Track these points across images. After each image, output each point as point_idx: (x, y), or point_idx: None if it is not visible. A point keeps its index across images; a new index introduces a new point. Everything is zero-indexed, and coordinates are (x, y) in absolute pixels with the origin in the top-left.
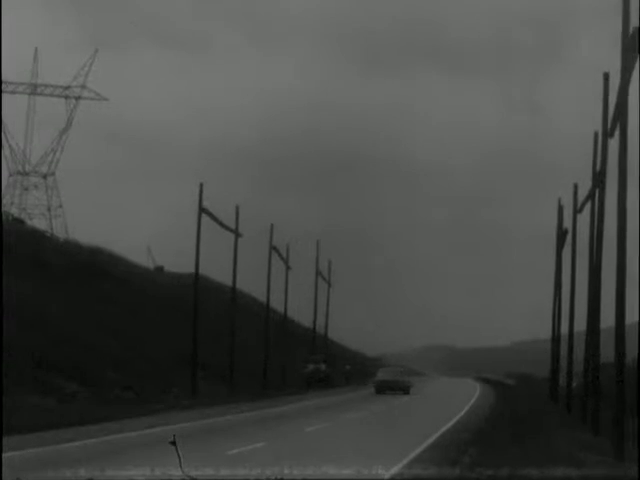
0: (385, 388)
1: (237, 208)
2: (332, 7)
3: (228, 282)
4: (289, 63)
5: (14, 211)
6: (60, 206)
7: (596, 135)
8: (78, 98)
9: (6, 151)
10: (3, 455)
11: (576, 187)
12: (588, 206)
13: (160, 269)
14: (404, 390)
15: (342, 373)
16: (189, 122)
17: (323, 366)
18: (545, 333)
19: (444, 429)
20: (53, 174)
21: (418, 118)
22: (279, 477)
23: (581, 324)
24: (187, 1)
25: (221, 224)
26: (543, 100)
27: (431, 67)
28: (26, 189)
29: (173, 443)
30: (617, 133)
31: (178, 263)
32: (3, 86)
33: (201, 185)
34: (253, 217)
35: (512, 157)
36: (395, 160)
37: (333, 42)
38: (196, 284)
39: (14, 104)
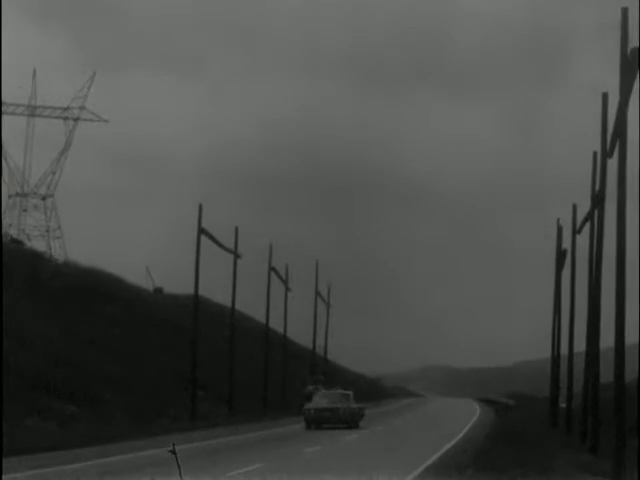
0: (320, 421)
1: (236, 229)
2: (330, 30)
3: (227, 303)
4: (286, 85)
5: (13, 232)
6: (59, 227)
7: (595, 155)
8: (77, 119)
9: (5, 173)
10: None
11: (575, 207)
12: (587, 226)
13: (159, 290)
14: (348, 423)
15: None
16: (187, 144)
17: (322, 387)
18: (545, 353)
19: (449, 445)
20: (52, 195)
21: (417, 139)
22: None
23: (581, 344)
24: (184, 24)
25: (220, 245)
26: (542, 120)
27: (430, 88)
28: (25, 210)
29: (172, 452)
30: (616, 153)
31: (177, 284)
32: (2, 107)
33: (200, 206)
34: (252, 238)
35: (511, 177)
36: (394, 180)
37: (331, 64)
38: (195, 305)
39: (13, 125)
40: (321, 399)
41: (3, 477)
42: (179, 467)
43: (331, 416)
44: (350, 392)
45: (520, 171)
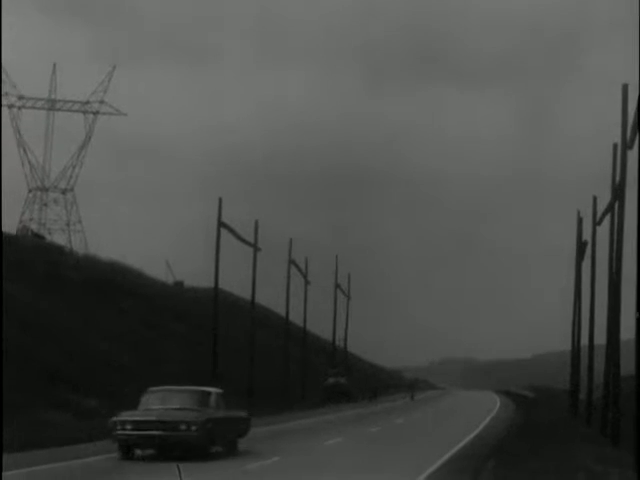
0: (145, 444)
1: (256, 223)
2: (341, 23)
3: (247, 296)
4: (303, 78)
5: (34, 226)
6: (79, 221)
7: (615, 147)
8: (96, 113)
9: (26, 167)
10: (13, 472)
11: (595, 199)
12: (608, 218)
13: (179, 284)
14: (202, 448)
15: (368, 390)
16: (207, 137)
17: (343, 380)
18: (565, 345)
19: (470, 436)
20: (72, 189)
21: (433, 131)
22: None
23: (601, 336)
24: (199, 17)
25: (240, 238)
26: (562, 112)
27: (444, 81)
28: (45, 204)
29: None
30: (636, 144)
31: (197, 278)
32: (22, 102)
33: (220, 200)
34: (272, 231)
35: (531, 169)
36: (413, 174)
37: (344, 57)
38: (216, 299)
39: (33, 120)
40: (154, 403)
41: (13, 470)
42: (179, 470)
43: (164, 437)
44: (215, 390)
45: (540, 162)
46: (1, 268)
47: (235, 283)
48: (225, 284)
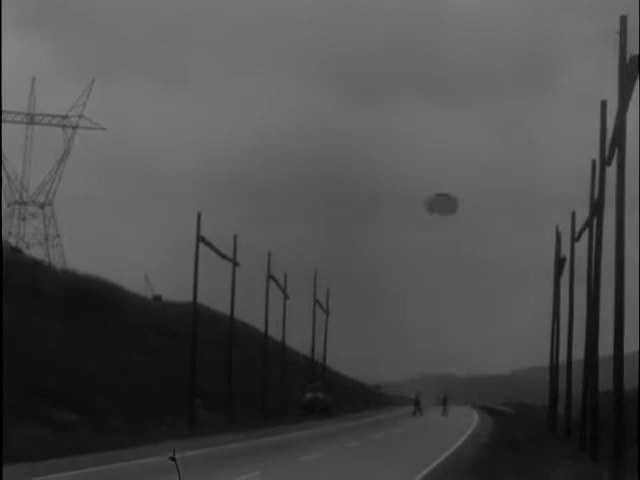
0: None
1: (235, 237)
2: (316, 37)
3: (226, 311)
4: (285, 94)
5: (12, 240)
6: (57, 235)
7: (594, 163)
8: (75, 127)
9: (4, 181)
10: None
11: (574, 215)
12: (586, 234)
13: (158, 298)
14: None
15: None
16: (186, 152)
17: (321, 395)
18: (544, 361)
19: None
20: (50, 204)
21: (415, 148)
22: None
23: (580, 352)
24: (175, 32)
25: (219, 253)
26: (540, 128)
27: (428, 98)
28: (24, 219)
29: (172, 459)
30: (615, 161)
31: (176, 292)
32: (2, 116)
33: (199, 214)
34: (251, 246)
35: (509, 185)
36: (391, 189)
37: (328, 73)
38: (194, 313)
39: (12, 134)
40: None
41: None
42: (179, 474)
43: None
44: None
45: (518, 178)
46: (1, 287)
47: (214, 297)
48: (204, 298)
